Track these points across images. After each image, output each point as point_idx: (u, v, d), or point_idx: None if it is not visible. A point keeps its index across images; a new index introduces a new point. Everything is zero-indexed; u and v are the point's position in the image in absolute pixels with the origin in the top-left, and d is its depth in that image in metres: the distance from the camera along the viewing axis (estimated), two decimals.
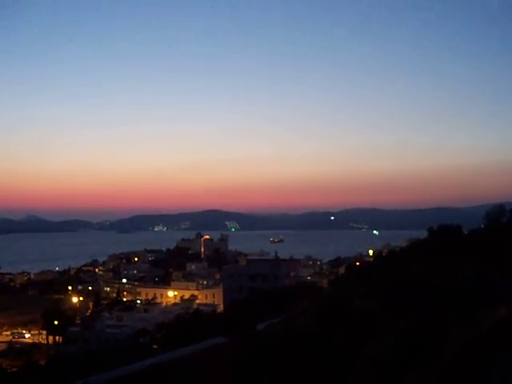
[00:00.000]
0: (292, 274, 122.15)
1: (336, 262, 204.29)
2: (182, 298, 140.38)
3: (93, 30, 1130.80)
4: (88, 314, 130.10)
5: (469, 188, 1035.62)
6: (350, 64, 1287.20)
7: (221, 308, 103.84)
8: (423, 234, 61.94)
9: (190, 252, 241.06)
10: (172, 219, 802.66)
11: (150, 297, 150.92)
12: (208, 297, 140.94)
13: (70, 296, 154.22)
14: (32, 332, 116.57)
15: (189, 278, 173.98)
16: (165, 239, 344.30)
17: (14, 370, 64.68)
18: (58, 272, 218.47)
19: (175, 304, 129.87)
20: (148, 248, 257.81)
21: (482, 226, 54.99)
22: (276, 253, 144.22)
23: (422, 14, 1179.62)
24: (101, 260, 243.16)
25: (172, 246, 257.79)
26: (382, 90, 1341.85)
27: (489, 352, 14.33)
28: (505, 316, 17.66)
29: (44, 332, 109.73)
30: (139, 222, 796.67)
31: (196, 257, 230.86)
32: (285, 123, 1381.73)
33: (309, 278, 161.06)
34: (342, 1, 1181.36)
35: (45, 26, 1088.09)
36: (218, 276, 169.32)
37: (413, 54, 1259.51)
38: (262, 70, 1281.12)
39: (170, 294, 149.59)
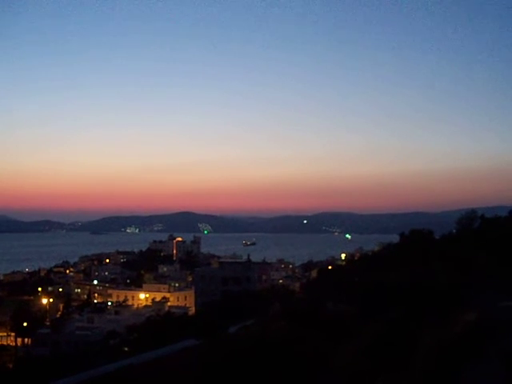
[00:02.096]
0: (264, 277, 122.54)
1: (308, 266, 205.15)
2: (153, 300, 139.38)
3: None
4: (58, 315, 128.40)
5: (442, 193, 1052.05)
6: (322, 68, 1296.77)
7: (192, 310, 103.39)
8: (395, 238, 62.61)
9: (162, 254, 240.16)
10: (144, 221, 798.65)
11: (121, 299, 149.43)
12: (180, 299, 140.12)
13: (40, 297, 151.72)
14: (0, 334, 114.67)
15: (161, 280, 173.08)
16: (137, 241, 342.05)
17: None
18: (28, 273, 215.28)
19: (147, 306, 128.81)
20: (120, 250, 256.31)
21: (454, 231, 55.75)
22: (248, 256, 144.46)
23: (397, 18, 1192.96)
24: (72, 261, 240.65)
25: (144, 247, 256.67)
26: (356, 94, 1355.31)
27: (459, 355, 14.48)
28: (474, 320, 17.87)
29: (12, 334, 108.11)
30: (111, 223, 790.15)
31: (168, 259, 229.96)
32: (258, 127, 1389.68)
33: (281, 281, 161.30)
34: (315, 4, 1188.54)
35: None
36: (190, 278, 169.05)
37: (386, 59, 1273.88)
38: (234, 74, 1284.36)
39: (142, 296, 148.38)
